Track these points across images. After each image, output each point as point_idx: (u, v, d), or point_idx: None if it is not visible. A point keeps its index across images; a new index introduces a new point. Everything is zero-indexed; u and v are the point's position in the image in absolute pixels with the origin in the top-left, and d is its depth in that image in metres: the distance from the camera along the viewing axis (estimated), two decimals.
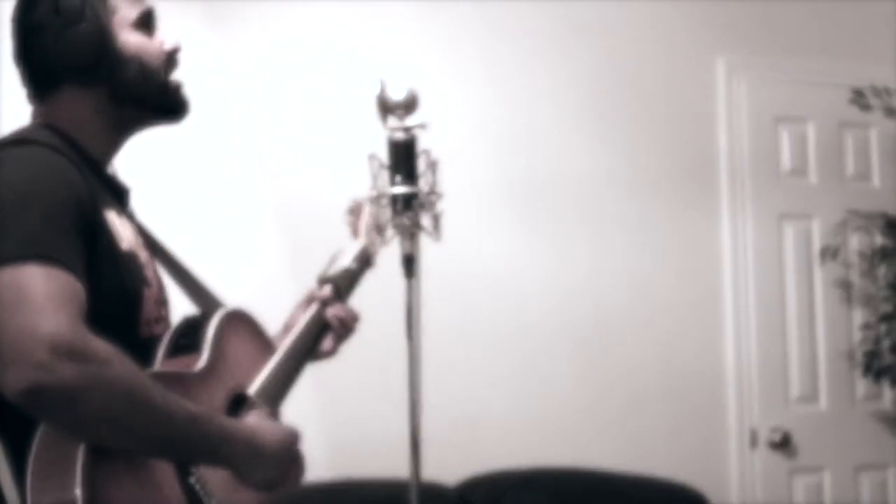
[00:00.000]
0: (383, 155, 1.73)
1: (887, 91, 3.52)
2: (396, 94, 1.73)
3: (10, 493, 1.39)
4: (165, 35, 1.65)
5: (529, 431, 3.33)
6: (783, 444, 3.57)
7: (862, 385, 3.67)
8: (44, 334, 1.25)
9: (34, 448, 1.33)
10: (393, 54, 3.26)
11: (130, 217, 1.65)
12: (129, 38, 1.59)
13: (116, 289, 1.48)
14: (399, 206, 1.72)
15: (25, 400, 1.25)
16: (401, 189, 1.73)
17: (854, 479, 3.65)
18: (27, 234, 1.34)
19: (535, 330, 3.40)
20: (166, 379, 1.44)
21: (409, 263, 1.73)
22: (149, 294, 1.55)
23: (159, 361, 1.55)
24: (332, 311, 1.89)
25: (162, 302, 1.62)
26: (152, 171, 2.62)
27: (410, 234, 1.73)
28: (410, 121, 1.74)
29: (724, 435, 3.57)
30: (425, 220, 1.74)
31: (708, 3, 3.71)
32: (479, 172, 3.36)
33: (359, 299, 2.03)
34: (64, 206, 1.40)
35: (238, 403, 1.61)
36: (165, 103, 1.65)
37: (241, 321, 1.70)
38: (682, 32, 3.68)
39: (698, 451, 3.52)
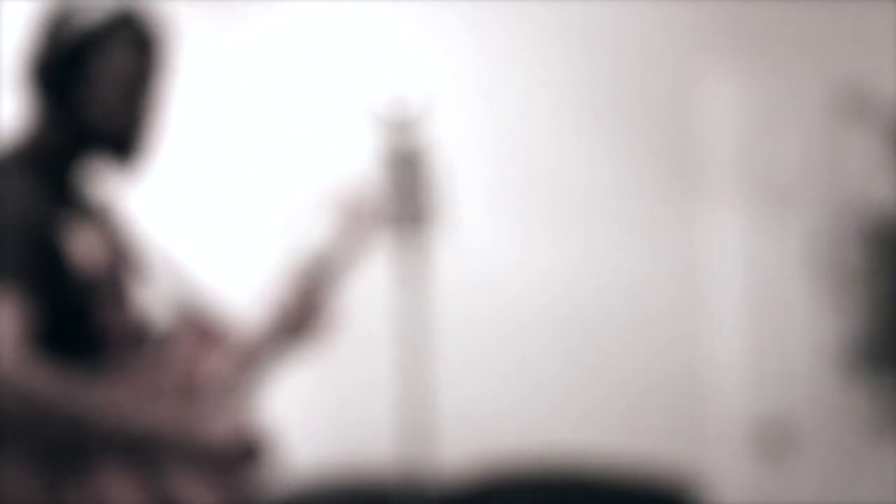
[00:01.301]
0: (385, 158, 1.74)
1: (872, 91, 3.53)
2: (398, 97, 1.73)
3: None
4: (147, 103, 1.71)
5: (531, 428, 3.34)
6: (777, 441, 3.58)
7: (855, 384, 3.68)
8: None
9: None
10: (393, 56, 3.27)
11: (112, 228, 1.72)
12: (101, 92, 1.67)
13: (67, 300, 1.57)
14: (401, 207, 1.73)
15: None
16: (402, 189, 1.73)
17: (849, 477, 3.66)
18: None
19: (535, 328, 3.41)
20: (112, 378, 1.53)
21: (413, 264, 1.74)
22: (109, 304, 1.63)
23: (124, 360, 1.62)
24: (310, 298, 1.90)
25: (129, 309, 1.69)
26: (152, 172, 2.63)
27: (412, 233, 1.74)
28: (412, 123, 1.74)
29: (720, 431, 3.58)
30: (426, 220, 1.75)
31: (695, 5, 3.71)
32: (479, 173, 3.37)
33: (359, 300, 2.04)
34: (20, 225, 1.51)
35: (189, 397, 1.67)
36: (117, 155, 1.72)
37: (201, 321, 1.76)
38: (668, 32, 3.68)
39: (693, 448, 3.53)
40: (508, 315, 3.40)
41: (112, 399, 1.50)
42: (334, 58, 3.29)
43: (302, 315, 1.92)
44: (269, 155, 3.23)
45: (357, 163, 2.07)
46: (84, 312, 1.60)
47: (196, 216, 3.08)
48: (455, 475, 3.18)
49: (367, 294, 2.28)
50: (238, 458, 1.62)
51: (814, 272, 3.67)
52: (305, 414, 1.75)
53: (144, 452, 1.52)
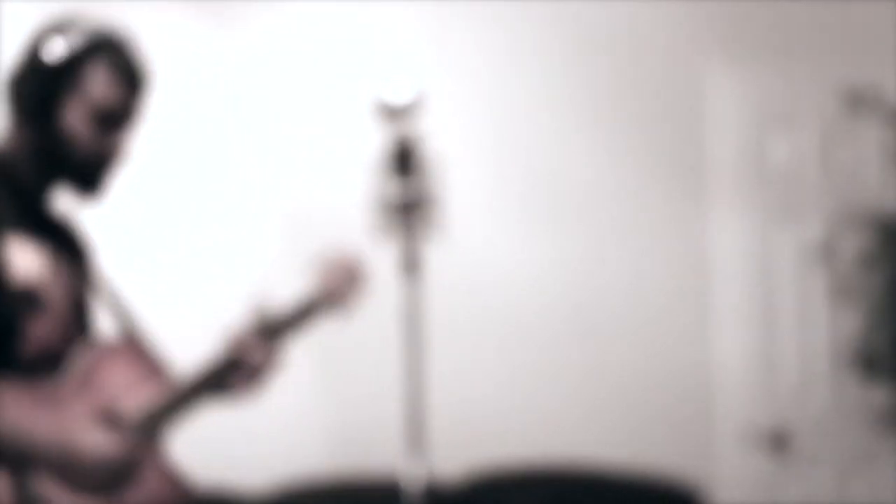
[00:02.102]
0: (384, 156, 1.74)
1: (881, 92, 3.53)
2: (397, 95, 1.74)
3: None
4: (119, 139, 1.74)
5: (530, 429, 3.34)
6: (778, 443, 3.58)
7: (856, 384, 3.68)
8: None
9: None
10: (393, 54, 3.27)
11: (61, 246, 1.75)
12: (73, 117, 1.71)
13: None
14: (399, 207, 1.73)
15: None
16: (401, 189, 1.73)
17: (849, 478, 3.66)
18: None
19: (535, 328, 3.41)
20: (19, 391, 1.61)
21: (410, 263, 1.74)
22: (40, 322, 1.67)
23: (41, 379, 1.69)
24: (249, 354, 1.87)
25: (69, 327, 1.74)
26: (152, 172, 2.63)
27: (410, 234, 1.74)
28: (411, 122, 1.75)
29: (720, 433, 3.58)
30: (425, 221, 1.75)
31: (702, 4, 3.72)
32: (479, 172, 3.37)
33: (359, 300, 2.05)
34: None
35: (109, 420, 1.73)
36: (74, 182, 1.76)
37: (129, 350, 1.80)
38: (676, 34, 3.68)
39: (694, 449, 3.53)
40: (508, 315, 3.39)
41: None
42: (335, 58, 3.29)
43: (239, 369, 1.89)
44: (269, 155, 3.23)
45: (358, 163, 2.07)
46: (6, 324, 1.63)
47: (196, 217, 3.08)
48: (455, 477, 3.18)
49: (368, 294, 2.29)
50: (115, 476, 1.68)
51: (819, 272, 3.67)
52: (298, 415, 1.75)
53: (19, 459, 1.59)
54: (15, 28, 3.01)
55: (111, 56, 1.73)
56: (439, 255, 2.12)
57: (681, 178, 3.63)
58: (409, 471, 1.73)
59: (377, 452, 2.85)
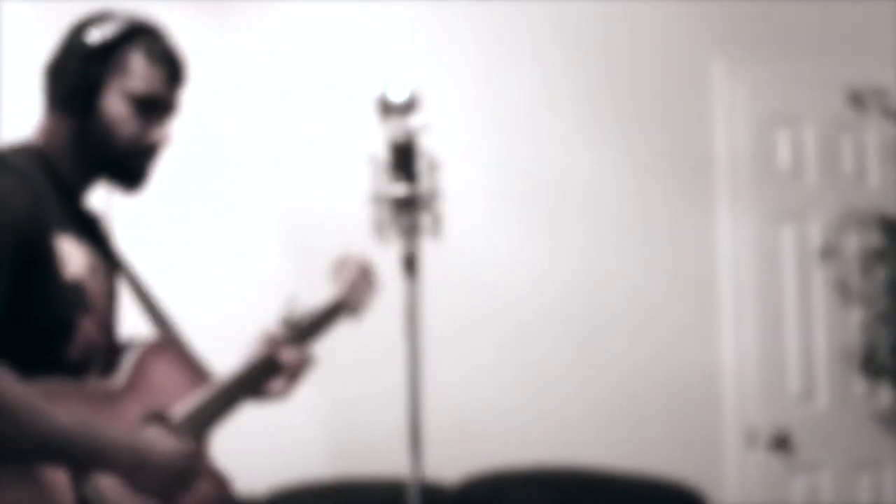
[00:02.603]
0: (383, 156, 1.74)
1: (884, 91, 3.52)
2: (397, 95, 1.73)
3: None
4: (161, 127, 1.73)
5: (529, 431, 3.34)
6: (781, 444, 3.58)
7: (860, 384, 3.68)
8: None
9: None
10: (393, 54, 3.27)
11: (100, 243, 1.73)
12: (114, 104, 1.68)
13: (46, 313, 1.58)
14: (399, 207, 1.72)
15: None
16: (401, 189, 1.73)
17: (852, 479, 3.66)
18: None
19: (535, 329, 3.40)
20: (69, 394, 1.57)
21: (409, 263, 1.73)
22: (85, 321, 1.64)
23: (90, 381, 1.66)
24: (285, 354, 1.95)
25: (107, 326, 1.72)
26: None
27: (410, 234, 1.73)
28: (411, 121, 1.74)
29: (722, 434, 3.58)
30: (425, 221, 1.74)
31: (705, 4, 3.71)
32: (479, 172, 3.36)
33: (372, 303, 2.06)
34: (2, 234, 1.51)
35: (155, 422, 1.71)
36: (116, 172, 1.73)
37: (171, 350, 1.79)
38: (679, 34, 3.69)
39: (696, 450, 3.53)
40: (509, 316, 3.39)
41: (67, 418, 1.51)
42: (334, 58, 3.29)
43: (276, 372, 1.96)
44: (269, 155, 3.23)
45: (357, 163, 2.06)
46: (62, 321, 1.61)
47: (196, 217, 3.07)
48: (456, 479, 3.18)
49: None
50: (180, 478, 1.65)
51: (823, 272, 3.67)
52: (299, 414, 1.75)
53: (97, 464, 1.55)
54: (15, 28, 3.02)
55: (151, 43, 1.72)
56: (439, 254, 2.12)
57: (684, 178, 3.63)
58: (410, 472, 1.73)
59: (377, 454, 2.85)
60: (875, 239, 3.66)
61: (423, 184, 1.74)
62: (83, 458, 1.52)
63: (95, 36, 1.67)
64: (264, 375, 1.95)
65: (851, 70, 3.68)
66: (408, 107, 1.74)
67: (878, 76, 3.64)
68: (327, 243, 3.16)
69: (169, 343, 1.80)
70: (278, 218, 3.22)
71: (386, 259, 2.08)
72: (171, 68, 1.74)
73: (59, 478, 1.51)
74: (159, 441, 1.63)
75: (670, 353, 3.54)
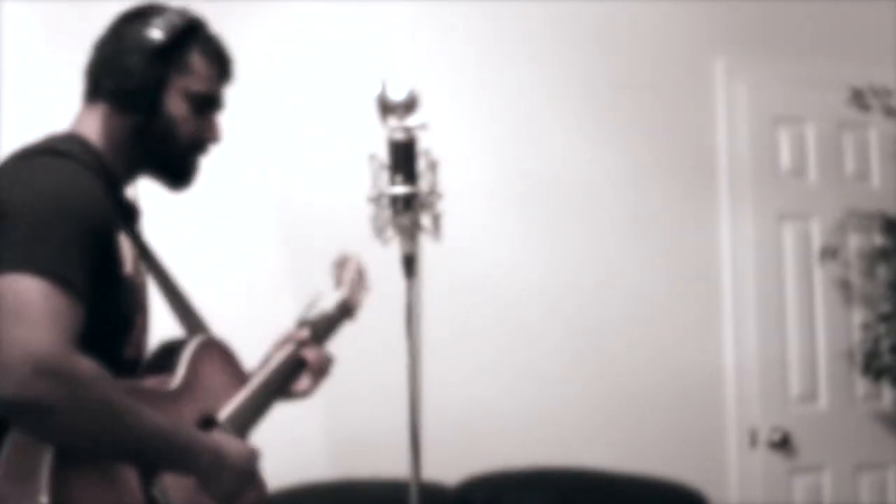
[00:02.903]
0: (383, 155, 1.73)
1: (886, 91, 3.51)
2: (396, 94, 1.73)
3: None
4: (214, 125, 1.73)
5: (529, 431, 3.33)
6: (783, 444, 3.57)
7: (861, 385, 3.67)
8: (33, 350, 1.32)
9: (3, 451, 1.40)
10: (393, 54, 3.26)
11: (136, 238, 1.70)
12: (175, 103, 1.67)
13: (112, 311, 1.55)
14: (399, 206, 1.72)
15: (4, 408, 1.34)
16: (401, 189, 1.72)
17: (854, 479, 3.65)
18: (48, 248, 1.40)
19: (535, 330, 3.39)
20: (141, 394, 1.53)
21: (409, 263, 1.73)
22: (140, 319, 1.63)
23: (145, 380, 1.63)
24: (310, 354, 1.96)
25: (146, 327, 1.68)
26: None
27: (410, 234, 1.73)
28: (410, 121, 1.74)
29: (724, 434, 3.57)
30: (425, 220, 1.74)
31: (707, 3, 3.71)
32: (479, 172, 3.36)
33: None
34: (85, 228, 1.47)
35: (205, 425, 1.69)
36: (171, 170, 1.73)
37: (216, 350, 1.77)
38: (680, 33, 3.68)
39: (697, 451, 3.52)
40: (510, 316, 3.38)
41: (160, 415, 1.49)
42: (334, 58, 3.28)
43: (302, 372, 1.98)
44: (268, 155, 3.22)
45: (357, 163, 2.06)
46: (125, 319, 1.59)
47: (195, 218, 3.07)
48: (456, 480, 3.17)
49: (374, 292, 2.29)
50: (249, 481, 1.64)
51: (825, 271, 3.66)
52: (298, 415, 1.75)
53: (182, 466, 1.53)
54: (15, 28, 3.02)
55: (207, 39, 1.71)
56: (439, 254, 2.11)
57: (685, 178, 3.62)
58: (410, 473, 1.72)
59: (377, 455, 2.84)
60: (877, 239, 3.65)
61: (423, 183, 1.74)
62: (175, 458, 1.51)
63: (159, 34, 1.63)
64: (293, 375, 1.96)
65: (853, 69, 3.67)
66: (408, 106, 1.74)
67: (881, 75, 3.63)
68: (327, 243, 3.17)
69: (214, 342, 1.77)
70: (278, 218, 3.21)
71: (386, 259, 2.07)
72: (222, 65, 1.74)
73: (130, 478, 1.49)
74: (230, 443, 1.61)
75: (671, 353, 3.53)
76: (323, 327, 2.05)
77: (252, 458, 1.65)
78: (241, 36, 3.31)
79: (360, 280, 2.22)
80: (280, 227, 3.21)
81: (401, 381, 1.75)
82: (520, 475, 3.18)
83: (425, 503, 1.72)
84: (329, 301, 2.09)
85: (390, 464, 2.34)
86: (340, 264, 2.22)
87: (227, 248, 3.12)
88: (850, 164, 3.79)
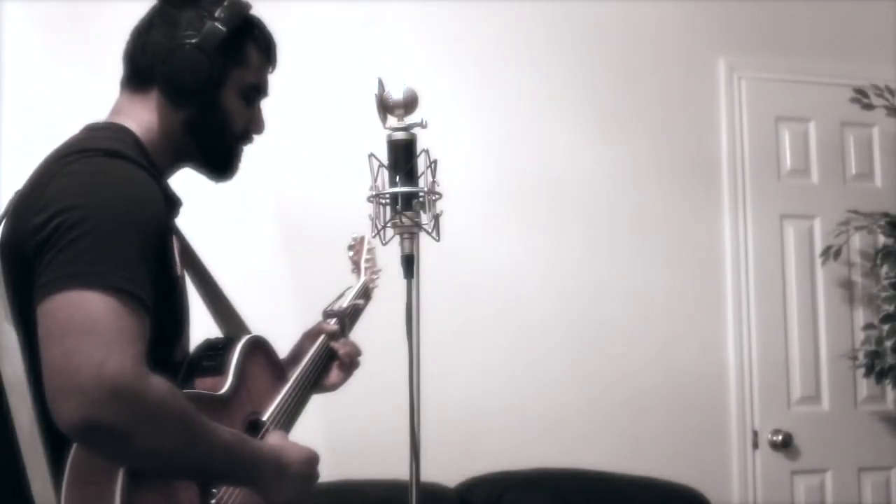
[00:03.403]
0: (383, 155, 1.73)
1: (889, 90, 3.51)
2: (396, 94, 1.72)
3: (45, 491, 1.37)
4: (260, 117, 1.71)
5: (529, 432, 3.32)
6: (785, 445, 3.56)
7: (864, 386, 3.66)
8: (107, 373, 1.25)
9: (72, 457, 1.34)
10: (393, 54, 3.26)
11: (176, 233, 1.64)
12: (232, 96, 1.63)
13: (168, 314, 1.48)
14: (399, 206, 1.71)
15: (76, 431, 1.27)
16: (401, 189, 1.71)
17: (856, 481, 3.64)
18: (114, 261, 1.32)
19: (536, 330, 3.39)
20: (197, 401, 1.45)
21: (409, 263, 1.72)
22: (188, 319, 1.58)
23: (195, 383, 1.58)
24: (341, 346, 1.96)
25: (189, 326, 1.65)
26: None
27: (410, 234, 1.72)
28: (410, 120, 1.73)
29: (726, 436, 3.56)
30: (425, 220, 1.73)
31: (709, 3, 3.70)
32: (479, 172, 3.35)
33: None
34: (150, 237, 1.40)
35: (253, 428, 1.64)
36: (221, 161, 1.69)
37: (260, 349, 1.73)
38: (682, 32, 3.68)
39: (699, 452, 3.51)
40: (510, 317, 3.38)
41: (224, 428, 1.44)
42: (333, 58, 3.28)
43: (333, 365, 1.97)
44: (268, 156, 3.21)
45: (357, 164, 2.06)
46: (177, 320, 1.53)
47: (195, 218, 3.06)
48: (457, 481, 3.17)
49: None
50: (311, 485, 1.62)
51: (828, 271, 3.65)
52: (303, 418, 1.75)
53: (247, 480, 1.49)
54: (15, 28, 3.01)
55: (259, 30, 1.68)
56: (439, 254, 2.10)
57: (687, 178, 3.62)
58: (410, 474, 1.72)
59: (377, 456, 2.83)
60: (880, 239, 3.64)
61: (423, 183, 1.73)
62: (241, 473, 1.46)
63: (221, 27, 1.57)
64: (325, 368, 1.94)
65: (857, 69, 3.67)
66: (407, 105, 1.73)
67: (884, 75, 3.62)
68: (327, 243, 3.16)
69: (257, 341, 1.73)
70: (277, 217, 3.21)
71: (386, 259, 2.07)
72: (270, 52, 1.71)
73: (189, 495, 1.44)
74: (290, 449, 1.58)
75: (672, 354, 3.52)
76: (351, 318, 2.04)
77: (313, 461, 1.62)
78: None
79: (372, 261, 2.21)
80: (279, 226, 3.20)
81: (401, 381, 1.74)
82: (520, 476, 3.18)
83: (425, 503, 1.71)
84: (352, 289, 2.08)
85: (390, 464, 2.33)
86: (354, 248, 2.21)
87: (226, 248, 3.11)
88: (852, 164, 3.78)
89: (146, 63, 1.58)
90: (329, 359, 1.96)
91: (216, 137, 1.63)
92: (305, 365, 1.87)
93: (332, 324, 1.98)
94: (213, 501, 1.48)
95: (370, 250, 2.23)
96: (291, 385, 1.79)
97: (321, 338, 1.95)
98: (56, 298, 1.29)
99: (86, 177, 1.40)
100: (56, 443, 1.35)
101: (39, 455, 1.37)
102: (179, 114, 1.59)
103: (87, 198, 1.37)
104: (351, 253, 2.24)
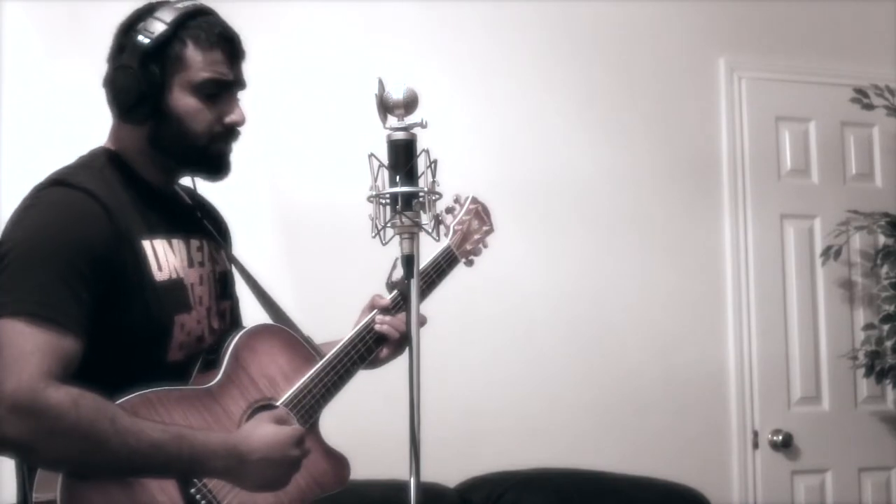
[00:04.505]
0: (383, 155, 1.72)
1: (889, 90, 3.51)
2: (396, 94, 1.71)
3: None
4: (233, 107, 1.71)
5: (529, 432, 3.32)
6: (785, 446, 3.56)
7: (864, 386, 3.66)
8: (5, 391, 1.39)
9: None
10: (393, 54, 3.26)
11: (197, 235, 1.72)
12: (181, 99, 1.65)
13: (144, 320, 1.58)
14: (399, 206, 1.71)
15: None
16: (401, 189, 1.71)
17: (856, 481, 3.64)
18: (25, 288, 1.47)
19: (536, 330, 3.39)
20: (172, 399, 1.55)
21: (409, 263, 1.72)
22: (184, 319, 1.63)
23: (194, 377, 1.65)
24: (383, 325, 1.93)
25: (216, 315, 1.70)
26: None
27: (410, 234, 1.72)
28: (410, 120, 1.73)
29: (726, 436, 3.56)
30: (425, 220, 1.73)
31: (709, 3, 3.70)
32: (479, 173, 3.35)
33: (358, 300, 2.04)
34: (75, 256, 1.51)
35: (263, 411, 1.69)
36: (201, 164, 1.72)
37: (271, 335, 1.77)
38: (683, 33, 3.68)
39: (700, 453, 3.51)
40: (511, 318, 3.38)
41: (161, 427, 1.51)
42: (334, 58, 3.28)
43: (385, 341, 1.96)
44: (268, 155, 3.21)
45: (356, 163, 2.06)
46: (160, 325, 1.60)
47: None
48: (456, 481, 3.16)
49: (367, 294, 2.27)
50: (285, 465, 1.64)
51: (829, 271, 3.65)
52: None
53: (197, 474, 1.56)
54: (15, 28, 3.01)
55: (202, 26, 1.68)
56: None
57: (688, 177, 3.62)
58: (410, 474, 1.71)
59: (377, 456, 2.83)
60: (880, 239, 3.64)
61: (423, 183, 1.73)
62: (181, 469, 1.53)
63: (143, 39, 1.62)
64: (376, 343, 1.92)
65: (857, 69, 3.67)
66: (407, 105, 1.73)
67: (884, 75, 3.62)
68: (327, 243, 3.17)
69: (268, 327, 1.78)
70: (277, 217, 3.21)
71: (386, 259, 2.06)
72: (228, 45, 1.71)
73: (166, 482, 1.53)
74: (253, 434, 1.60)
75: (673, 354, 3.52)
76: (421, 284, 2.00)
77: (287, 442, 1.62)
78: (241, 35, 3.31)
79: (479, 220, 2.16)
80: (279, 226, 3.20)
81: (401, 381, 1.74)
82: (520, 476, 3.18)
83: (425, 503, 1.71)
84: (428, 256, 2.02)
85: (390, 464, 2.33)
86: (452, 207, 2.15)
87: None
88: (852, 164, 3.78)
89: (107, 94, 1.69)
90: (379, 334, 1.94)
91: (179, 143, 1.67)
92: (344, 343, 1.88)
93: (385, 300, 1.95)
94: (194, 490, 1.55)
95: (482, 211, 2.15)
96: (321, 366, 1.81)
97: (372, 313, 1.94)
98: None
99: (19, 212, 1.56)
100: None
101: None
102: (141, 131, 1.66)
103: (14, 231, 1.53)
104: (449, 209, 2.14)
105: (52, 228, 1.53)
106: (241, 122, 1.72)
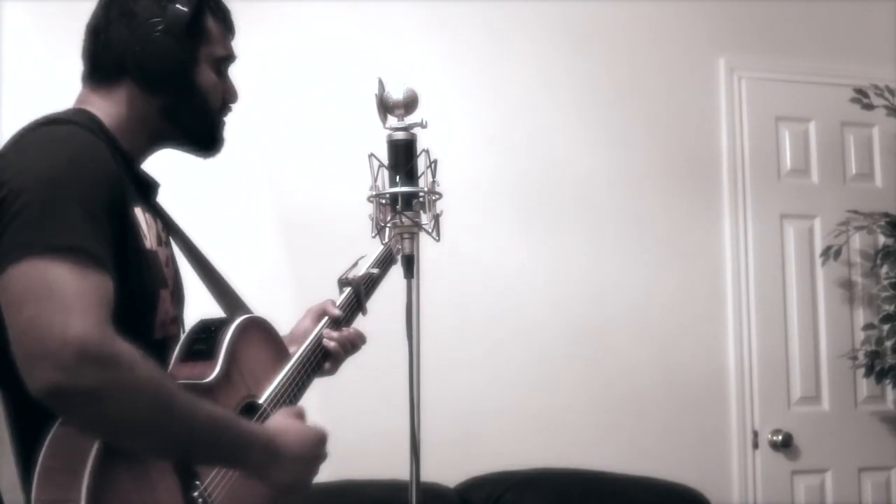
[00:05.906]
0: (383, 155, 1.73)
1: (889, 90, 3.51)
2: (396, 94, 1.71)
3: (11, 485, 1.37)
4: (231, 84, 1.69)
5: (529, 432, 3.32)
6: (785, 446, 3.56)
7: (864, 386, 3.66)
8: (72, 337, 1.22)
9: (45, 446, 1.32)
10: (393, 54, 3.26)
11: (157, 212, 1.63)
12: (206, 73, 1.62)
13: (136, 289, 1.45)
14: (399, 206, 1.71)
15: (47, 398, 1.24)
16: (401, 189, 1.71)
17: (856, 481, 3.64)
18: (61, 223, 1.30)
19: (536, 330, 3.39)
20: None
21: (409, 263, 1.72)
22: (165, 295, 1.53)
23: (173, 365, 1.54)
24: (330, 341, 1.89)
25: (178, 300, 1.61)
26: (152, 171, 2.62)
27: (410, 234, 1.72)
28: (410, 120, 1.73)
29: (726, 436, 3.56)
30: (425, 220, 1.73)
31: (708, 3, 3.70)
32: (479, 172, 3.35)
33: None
34: (99, 192, 1.37)
35: (248, 411, 1.61)
36: (205, 139, 1.67)
37: (257, 328, 1.70)
38: (682, 33, 3.68)
39: (700, 452, 3.51)
40: (511, 318, 3.38)
41: (212, 405, 1.41)
42: (334, 58, 3.28)
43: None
44: (268, 155, 3.21)
45: (356, 163, 2.06)
46: (150, 295, 1.49)
47: (194, 217, 3.06)
48: (456, 482, 3.16)
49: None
50: (314, 467, 1.58)
51: (829, 272, 3.65)
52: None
53: (234, 462, 1.45)
54: (15, 28, 3.01)
55: (215, 3, 1.66)
56: (439, 254, 2.10)
57: (688, 178, 3.62)
58: (410, 474, 1.71)
59: (377, 456, 2.83)
60: (880, 239, 3.64)
61: (423, 183, 1.73)
62: (226, 453, 1.41)
63: (181, 9, 1.56)
64: (321, 357, 1.88)
65: (857, 69, 3.67)
66: (407, 105, 1.73)
67: (884, 75, 3.62)
68: (326, 243, 3.17)
69: (254, 321, 1.70)
70: (277, 217, 3.21)
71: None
72: (231, 21, 1.69)
73: (171, 483, 1.40)
74: (289, 430, 1.52)
75: (673, 354, 3.52)
76: (366, 286, 1.98)
77: (318, 442, 1.57)
78: (241, 35, 3.31)
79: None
80: (279, 226, 3.20)
81: (401, 381, 1.74)
82: (520, 476, 3.18)
83: (425, 503, 1.71)
84: (368, 257, 2.02)
85: (390, 464, 2.33)
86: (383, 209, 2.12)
87: (225, 248, 3.10)
88: (852, 164, 3.78)
89: (113, 58, 1.57)
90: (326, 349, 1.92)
91: (198, 118, 1.63)
92: (308, 346, 1.83)
93: (335, 311, 1.92)
94: (196, 494, 1.44)
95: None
96: (292, 366, 1.75)
97: (324, 320, 1.91)
98: (9, 272, 1.27)
99: (29, 148, 1.40)
100: (26, 437, 1.34)
101: (7, 447, 1.36)
102: (155, 101, 1.58)
103: (28, 165, 1.36)
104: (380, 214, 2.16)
105: (73, 160, 1.37)
106: (236, 100, 1.71)
